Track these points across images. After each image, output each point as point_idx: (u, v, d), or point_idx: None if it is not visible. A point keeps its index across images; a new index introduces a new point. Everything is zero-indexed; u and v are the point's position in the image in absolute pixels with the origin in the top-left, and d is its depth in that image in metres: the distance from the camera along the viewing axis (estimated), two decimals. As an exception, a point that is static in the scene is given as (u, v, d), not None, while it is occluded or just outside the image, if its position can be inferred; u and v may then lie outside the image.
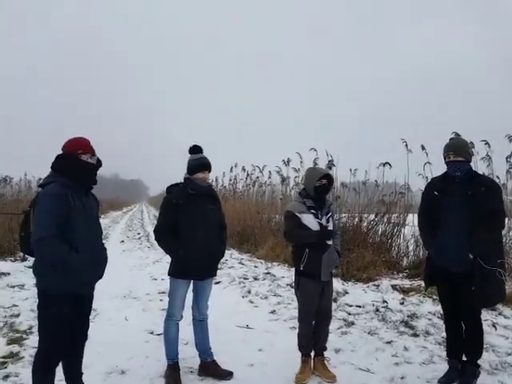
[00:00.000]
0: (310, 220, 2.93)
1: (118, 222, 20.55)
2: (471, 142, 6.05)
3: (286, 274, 6.45)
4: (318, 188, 2.96)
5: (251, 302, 5.07)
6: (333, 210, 3.12)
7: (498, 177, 6.16)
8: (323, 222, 2.95)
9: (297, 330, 3.13)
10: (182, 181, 2.98)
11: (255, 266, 7.32)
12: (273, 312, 4.63)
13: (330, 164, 8.01)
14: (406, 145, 6.60)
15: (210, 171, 2.97)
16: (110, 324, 4.13)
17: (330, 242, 2.97)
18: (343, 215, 7.58)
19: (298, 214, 2.96)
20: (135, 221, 21.93)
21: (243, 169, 11.23)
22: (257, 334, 3.89)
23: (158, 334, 3.56)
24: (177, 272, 2.88)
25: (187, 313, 3.03)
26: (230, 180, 12.24)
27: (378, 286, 5.40)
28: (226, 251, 10.12)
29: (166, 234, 2.86)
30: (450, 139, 2.98)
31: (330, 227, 3.00)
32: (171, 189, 2.97)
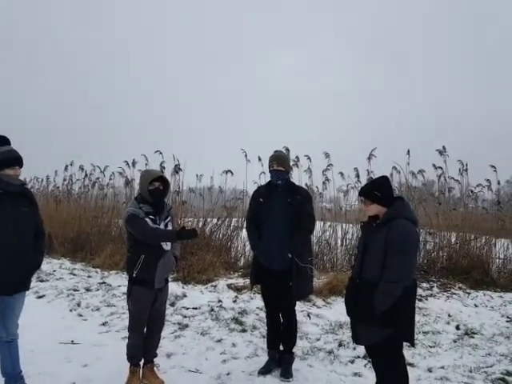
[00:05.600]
0: None
1: None
2: (296, 156, 7.06)
3: (123, 282, 6.05)
4: (153, 192, 2.86)
5: (80, 316, 4.63)
6: (172, 213, 3.01)
7: (316, 187, 7.33)
8: (161, 227, 2.87)
9: (127, 340, 2.98)
10: None
11: (89, 276, 6.67)
12: (104, 324, 4.32)
13: (177, 168, 8.02)
14: (246, 155, 7.19)
15: (21, 166, 2.60)
16: None
17: (167, 248, 2.88)
18: (189, 219, 7.69)
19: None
20: None
21: (81, 168, 10.06)
22: (83, 349, 3.57)
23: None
24: None
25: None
26: (65, 180, 10.78)
27: (215, 286, 5.63)
28: (56, 261, 8.83)
29: None
30: (275, 151, 3.37)
31: None
32: None
